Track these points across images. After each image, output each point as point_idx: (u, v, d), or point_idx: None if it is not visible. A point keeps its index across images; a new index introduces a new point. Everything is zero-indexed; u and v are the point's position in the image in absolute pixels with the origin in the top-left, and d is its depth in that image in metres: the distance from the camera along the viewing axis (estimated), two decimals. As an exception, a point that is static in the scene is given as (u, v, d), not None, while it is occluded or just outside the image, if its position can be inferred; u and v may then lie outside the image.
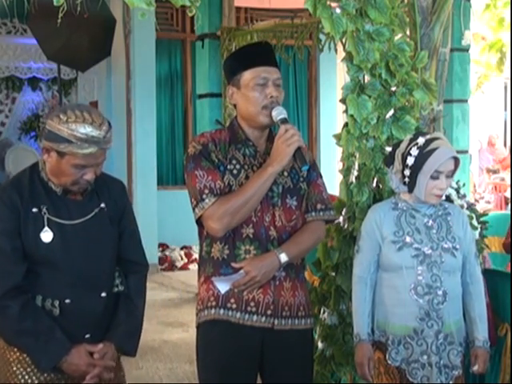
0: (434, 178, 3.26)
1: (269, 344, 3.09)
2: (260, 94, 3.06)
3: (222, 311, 3.06)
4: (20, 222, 2.80)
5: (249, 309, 3.05)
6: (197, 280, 3.22)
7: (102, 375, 2.88)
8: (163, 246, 9.37)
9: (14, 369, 2.87)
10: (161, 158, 9.80)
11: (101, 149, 2.79)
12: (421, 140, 3.31)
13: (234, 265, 3.03)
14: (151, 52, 9.04)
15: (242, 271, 3.00)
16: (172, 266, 9.17)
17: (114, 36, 8.66)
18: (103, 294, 2.92)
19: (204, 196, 3.01)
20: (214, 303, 3.07)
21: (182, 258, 9.31)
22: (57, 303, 2.84)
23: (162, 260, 9.15)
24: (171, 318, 6.76)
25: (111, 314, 2.97)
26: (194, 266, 8.93)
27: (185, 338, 6.29)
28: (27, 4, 7.15)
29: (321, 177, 3.29)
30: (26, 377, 2.86)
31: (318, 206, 3.20)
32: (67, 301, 2.84)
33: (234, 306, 3.05)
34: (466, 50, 5.81)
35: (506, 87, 16.99)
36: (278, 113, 3.03)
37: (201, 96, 7.54)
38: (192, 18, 7.52)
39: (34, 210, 2.82)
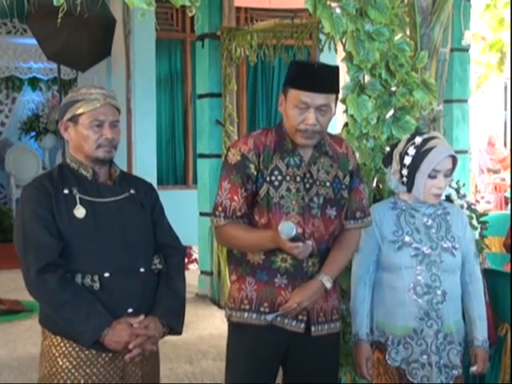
0: (432, 177, 3.26)
1: (299, 346, 3.14)
2: (298, 117, 3.02)
3: (254, 315, 3.11)
4: (52, 204, 2.89)
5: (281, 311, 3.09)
6: (222, 276, 3.29)
7: (144, 346, 2.91)
8: (163, 246, 9.36)
9: (60, 363, 2.91)
10: (161, 158, 9.80)
11: (110, 104, 2.97)
12: (418, 139, 3.32)
13: (282, 309, 3.05)
14: (151, 52, 9.04)
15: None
16: (172, 266, 9.18)
17: (114, 36, 8.66)
18: (142, 270, 2.98)
19: (217, 213, 3.09)
20: (247, 306, 3.12)
21: (182, 258, 9.32)
22: (96, 278, 2.90)
23: (162, 260, 9.15)
24: (171, 318, 6.76)
25: (153, 293, 3.02)
26: (194, 266, 8.93)
27: (185, 338, 6.25)
28: (27, 4, 7.15)
29: (362, 182, 3.30)
30: (73, 370, 2.90)
31: (358, 215, 3.22)
32: (106, 274, 2.90)
33: (268, 310, 3.09)
34: (466, 50, 5.81)
35: (506, 87, 16.98)
36: (285, 231, 2.83)
37: (201, 96, 7.54)
38: (192, 18, 7.52)
39: (66, 191, 2.94)
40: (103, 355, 2.91)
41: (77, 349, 2.89)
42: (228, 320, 3.22)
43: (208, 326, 6.65)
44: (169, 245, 3.14)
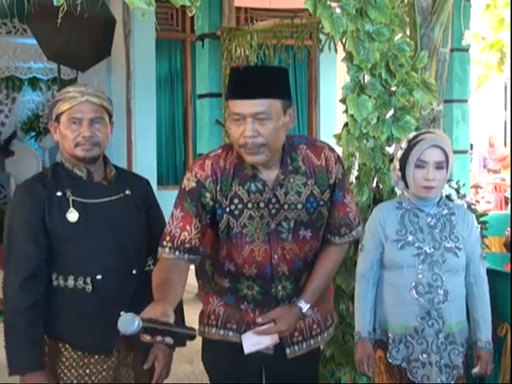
0: (419, 166, 3.26)
1: (275, 366, 2.99)
2: (236, 131, 2.69)
3: (221, 332, 2.97)
4: (44, 207, 2.87)
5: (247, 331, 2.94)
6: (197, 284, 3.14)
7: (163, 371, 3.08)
8: (163, 246, 9.36)
9: (53, 364, 2.92)
10: (161, 158, 9.80)
11: (89, 101, 2.91)
12: (412, 134, 3.35)
13: (258, 331, 2.90)
14: (151, 52, 9.03)
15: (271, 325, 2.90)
16: (172, 266, 9.17)
17: (114, 36, 8.66)
18: (134, 271, 2.98)
19: (164, 243, 2.78)
20: (214, 322, 2.99)
21: (181, 258, 9.31)
22: (89, 280, 2.89)
23: (162, 260, 9.14)
24: (171, 318, 6.75)
25: (145, 294, 2.96)
26: (193, 267, 8.90)
27: (185, 338, 6.28)
28: (27, 4, 7.15)
29: (348, 193, 2.98)
30: (66, 371, 2.91)
31: (343, 231, 2.97)
32: (98, 277, 2.89)
33: (234, 326, 2.95)
34: (466, 50, 5.82)
35: (506, 87, 16.97)
36: (126, 327, 2.32)
37: (201, 96, 7.55)
38: (192, 18, 7.52)
39: (59, 193, 2.91)
40: (96, 356, 2.92)
41: (69, 349, 2.90)
42: (200, 334, 3.06)
43: (208, 326, 6.64)
44: None
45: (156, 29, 8.09)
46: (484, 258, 3.47)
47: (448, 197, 3.82)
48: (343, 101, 3.85)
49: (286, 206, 2.81)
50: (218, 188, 2.77)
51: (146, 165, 8.89)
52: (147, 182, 3.20)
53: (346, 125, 3.88)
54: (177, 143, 10.49)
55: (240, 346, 2.92)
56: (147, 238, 3.05)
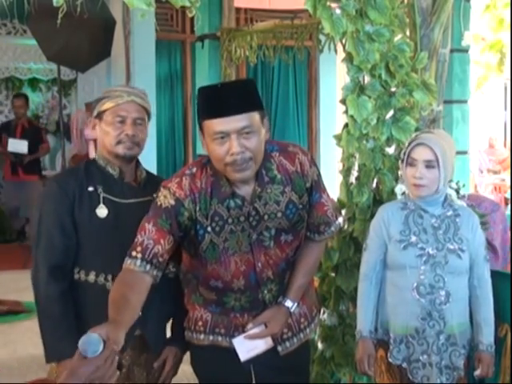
0: (410, 165, 3.29)
1: (265, 364, 2.97)
2: (220, 150, 2.63)
3: (211, 337, 2.97)
4: (74, 202, 2.93)
5: (236, 334, 2.94)
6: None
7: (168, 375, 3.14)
8: (163, 247, 9.35)
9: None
10: (161, 158, 9.79)
11: (134, 102, 2.98)
12: (414, 134, 3.38)
13: (250, 336, 2.91)
14: (151, 53, 9.03)
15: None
16: (172, 267, 9.17)
17: (114, 37, 8.66)
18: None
19: (133, 253, 2.69)
20: (201, 328, 2.98)
21: (181, 259, 9.31)
22: (110, 277, 2.94)
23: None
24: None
25: (164, 297, 3.04)
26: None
27: (185, 338, 6.27)
28: (27, 5, 7.15)
29: (324, 191, 2.97)
30: None
31: (322, 228, 3.02)
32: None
33: (223, 331, 2.95)
34: (466, 50, 5.80)
35: (505, 88, 16.97)
36: (89, 348, 2.10)
37: (201, 97, 7.53)
38: (192, 18, 7.52)
39: (90, 188, 2.96)
40: None
41: None
42: (187, 339, 3.06)
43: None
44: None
45: (156, 29, 8.10)
46: (488, 261, 3.47)
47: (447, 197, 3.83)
48: (343, 101, 3.85)
49: (266, 217, 2.79)
50: (198, 208, 2.72)
51: (145, 165, 8.84)
52: None
53: (346, 125, 3.88)
54: (177, 144, 10.49)
55: (229, 349, 2.92)
56: None
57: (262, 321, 2.93)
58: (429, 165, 3.26)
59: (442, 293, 3.28)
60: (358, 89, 3.80)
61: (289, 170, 2.83)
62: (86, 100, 9.76)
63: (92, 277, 2.95)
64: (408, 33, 4.14)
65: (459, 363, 3.33)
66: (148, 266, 2.67)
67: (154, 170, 9.11)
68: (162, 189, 2.77)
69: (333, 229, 3.06)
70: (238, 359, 2.92)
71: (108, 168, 3.03)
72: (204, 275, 2.88)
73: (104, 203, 2.95)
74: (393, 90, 3.84)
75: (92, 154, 7.52)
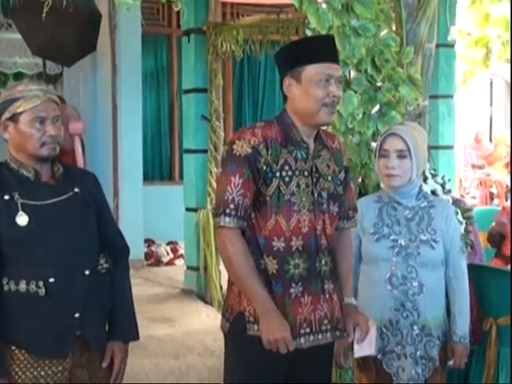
0: (383, 156, 3.33)
1: (299, 360, 2.91)
2: (323, 91, 2.85)
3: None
4: None
5: (302, 332, 2.86)
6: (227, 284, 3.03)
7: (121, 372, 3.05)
8: (149, 242, 9.34)
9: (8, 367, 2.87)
10: (147, 154, 9.77)
11: (50, 100, 2.87)
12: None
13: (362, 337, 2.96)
14: (137, 47, 9.00)
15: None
16: (158, 262, 9.15)
17: (100, 31, 8.63)
18: (87, 272, 2.91)
19: (228, 210, 2.80)
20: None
21: (167, 254, 9.29)
22: (41, 284, 2.82)
23: (147, 255, 9.13)
24: (157, 314, 6.75)
25: (99, 294, 2.97)
26: (180, 262, 8.91)
27: (171, 333, 6.27)
28: (12, -2, 7.13)
29: (351, 180, 3.18)
30: (20, 373, 2.85)
31: (350, 214, 3.10)
32: (51, 280, 2.83)
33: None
34: (452, 45, 5.82)
35: (491, 82, 17.04)
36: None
37: (187, 91, 7.52)
38: (178, 12, 7.48)
39: (6, 197, 2.82)
40: (51, 358, 2.87)
41: (23, 351, 2.85)
42: (232, 333, 2.93)
43: (194, 322, 6.64)
44: (115, 245, 3.09)
45: (142, 24, 8.09)
46: (464, 252, 3.49)
47: (433, 192, 3.84)
48: (329, 96, 3.84)
49: (323, 176, 2.93)
50: (269, 153, 2.83)
51: (131, 160, 8.87)
52: (94, 177, 3.13)
53: (332, 120, 3.88)
54: (163, 138, 10.47)
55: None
56: (97, 236, 3.01)
57: (354, 325, 2.98)
58: (400, 155, 3.29)
59: (415, 284, 3.31)
60: (344, 83, 3.80)
61: (331, 144, 3.03)
62: (71, 94, 9.72)
63: (23, 286, 2.82)
64: (394, 27, 4.14)
65: (434, 354, 3.35)
66: (241, 221, 2.82)
67: (140, 166, 9.16)
68: (235, 141, 2.86)
69: (355, 218, 3.14)
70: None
71: (22, 170, 2.88)
72: (267, 233, 2.86)
73: (23, 210, 2.82)
74: (378, 84, 3.85)
75: (78, 150, 7.48)
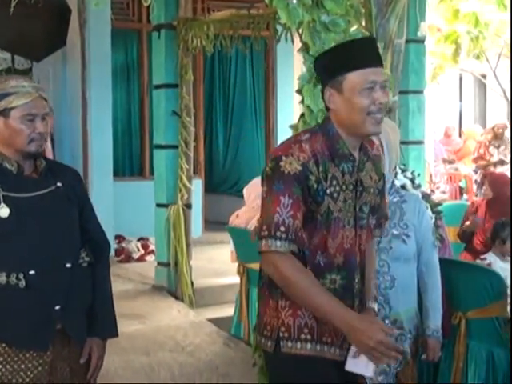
0: None
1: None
2: (367, 100, 2.66)
3: (318, 347, 2.73)
4: None
5: (345, 345, 2.72)
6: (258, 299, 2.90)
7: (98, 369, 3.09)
8: (120, 238, 9.30)
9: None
10: (117, 149, 9.73)
11: (40, 97, 2.90)
12: None
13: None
14: (107, 42, 8.95)
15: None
16: (128, 258, 9.11)
17: (70, 26, 8.57)
18: (68, 265, 2.92)
19: (278, 234, 2.61)
20: (308, 336, 2.72)
21: (138, 250, 9.25)
22: (21, 276, 2.84)
23: (118, 252, 9.09)
24: (127, 310, 6.70)
25: (81, 287, 2.98)
26: (150, 258, 8.88)
27: (141, 329, 6.26)
28: (-21, -8, 7.05)
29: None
30: (0, 366, 2.84)
31: (382, 221, 2.97)
32: (31, 272, 2.84)
33: (329, 339, 2.74)
34: (422, 41, 5.85)
35: (461, 78, 17.18)
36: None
37: (157, 87, 7.49)
38: (148, 7, 7.45)
39: None
40: (31, 351, 2.87)
41: (3, 345, 2.85)
42: (277, 351, 2.75)
43: (165, 318, 6.63)
44: (96, 240, 3.10)
45: (111, 19, 8.04)
46: (436, 247, 3.51)
47: (403, 187, 3.85)
48: (299, 91, 3.86)
49: (367, 189, 2.79)
50: (320, 169, 2.66)
51: (101, 156, 8.82)
52: (77, 173, 3.18)
53: (303, 115, 3.89)
54: (133, 134, 10.41)
55: (336, 361, 2.75)
56: (79, 230, 3.02)
57: None
58: None
59: (387, 278, 3.32)
60: (314, 79, 3.81)
61: (372, 152, 2.88)
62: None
63: (3, 278, 2.83)
64: (364, 23, 4.16)
65: (406, 347, 3.37)
66: (292, 245, 2.61)
67: (110, 161, 9.10)
68: (282, 157, 2.66)
69: (385, 226, 3.02)
70: (343, 373, 2.74)
71: (5, 164, 2.91)
72: (311, 247, 2.72)
73: (5, 202, 2.84)
74: (349, 80, 3.85)
75: (48, 145, 7.43)
